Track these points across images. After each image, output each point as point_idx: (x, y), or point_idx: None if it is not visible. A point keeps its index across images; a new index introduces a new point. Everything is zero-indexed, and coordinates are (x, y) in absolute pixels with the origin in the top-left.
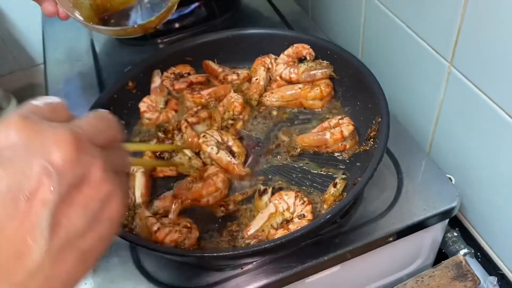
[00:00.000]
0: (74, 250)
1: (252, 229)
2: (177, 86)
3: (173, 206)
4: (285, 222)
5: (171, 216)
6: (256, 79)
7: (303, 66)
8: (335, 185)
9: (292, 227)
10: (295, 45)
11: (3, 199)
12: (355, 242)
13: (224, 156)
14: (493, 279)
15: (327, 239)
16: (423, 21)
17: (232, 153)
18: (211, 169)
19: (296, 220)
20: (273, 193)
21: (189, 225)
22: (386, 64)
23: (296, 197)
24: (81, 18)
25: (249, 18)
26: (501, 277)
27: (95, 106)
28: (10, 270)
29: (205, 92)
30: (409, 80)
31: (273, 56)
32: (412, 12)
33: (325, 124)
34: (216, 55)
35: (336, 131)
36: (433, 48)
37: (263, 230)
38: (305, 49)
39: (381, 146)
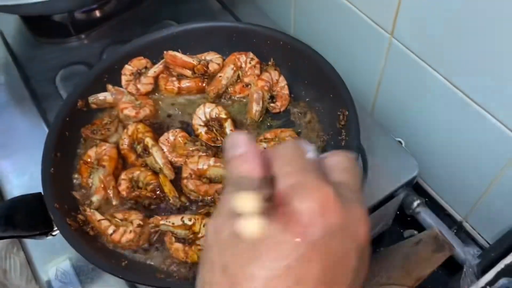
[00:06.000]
0: None
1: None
2: (143, 90)
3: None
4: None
5: (115, 202)
6: (220, 76)
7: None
8: None
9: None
10: (285, 87)
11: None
12: None
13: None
14: (472, 250)
15: None
16: None
17: None
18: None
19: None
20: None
21: (141, 222)
22: (322, 34)
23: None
24: None
25: None
26: (448, 216)
27: (51, 136)
28: None
29: (178, 85)
30: (348, 50)
31: (251, 55)
32: None
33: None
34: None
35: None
36: (374, 21)
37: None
38: (282, 102)
39: (355, 143)
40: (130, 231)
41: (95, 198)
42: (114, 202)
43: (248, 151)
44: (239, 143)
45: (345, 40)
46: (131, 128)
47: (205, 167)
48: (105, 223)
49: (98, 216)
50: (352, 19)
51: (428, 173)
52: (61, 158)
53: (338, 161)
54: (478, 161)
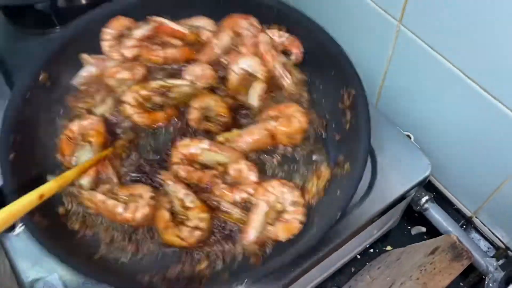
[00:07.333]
0: None
1: (252, 234)
2: (129, 55)
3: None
4: (278, 214)
5: (115, 180)
6: (214, 43)
7: (285, 60)
8: (318, 177)
9: (289, 216)
10: (292, 36)
11: None
12: (345, 231)
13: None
14: (493, 261)
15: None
16: None
17: None
18: None
19: (290, 208)
20: None
21: (153, 194)
22: (322, 22)
23: (282, 185)
24: None
25: None
26: (456, 211)
27: (8, 117)
28: None
29: (162, 53)
30: (352, 38)
31: (253, 21)
32: None
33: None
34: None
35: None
36: (381, 7)
37: (260, 232)
38: (297, 49)
39: (365, 132)
40: (144, 205)
41: (85, 181)
42: (114, 180)
43: None
44: None
45: (348, 27)
46: (130, 94)
47: (198, 151)
48: (111, 202)
49: (99, 196)
50: (356, 5)
51: (436, 167)
52: (22, 141)
53: None
54: (493, 156)
